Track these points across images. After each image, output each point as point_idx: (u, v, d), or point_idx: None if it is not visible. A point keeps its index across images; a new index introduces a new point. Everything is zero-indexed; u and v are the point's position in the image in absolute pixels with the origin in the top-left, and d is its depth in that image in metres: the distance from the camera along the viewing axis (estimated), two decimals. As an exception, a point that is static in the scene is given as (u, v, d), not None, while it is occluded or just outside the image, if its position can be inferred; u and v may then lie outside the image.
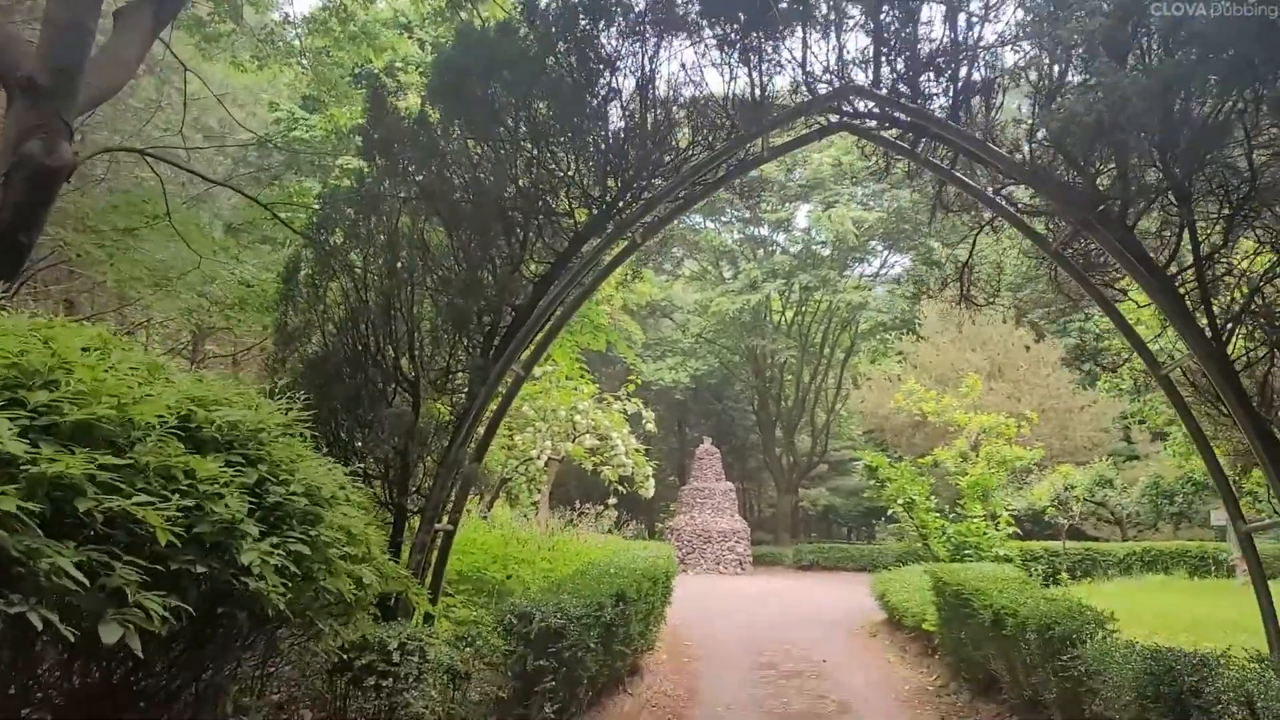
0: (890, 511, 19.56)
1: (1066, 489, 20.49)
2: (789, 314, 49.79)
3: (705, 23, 8.29)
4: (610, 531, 23.37)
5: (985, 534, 17.72)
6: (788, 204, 44.73)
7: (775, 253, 47.27)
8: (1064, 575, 22.02)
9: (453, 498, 8.34)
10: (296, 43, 16.92)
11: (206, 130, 20.34)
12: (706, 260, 50.94)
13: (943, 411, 22.37)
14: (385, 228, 7.99)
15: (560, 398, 19.21)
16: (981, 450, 20.27)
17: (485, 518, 18.43)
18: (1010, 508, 18.62)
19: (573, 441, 19.77)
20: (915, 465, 19.81)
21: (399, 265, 7.97)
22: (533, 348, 8.47)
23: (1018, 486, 23.36)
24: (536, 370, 19.73)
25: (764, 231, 48.89)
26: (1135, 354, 8.19)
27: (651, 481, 19.94)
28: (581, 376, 19.53)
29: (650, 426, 20.20)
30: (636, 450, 19.95)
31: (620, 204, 8.30)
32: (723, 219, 47.86)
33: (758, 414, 51.62)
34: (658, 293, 44.82)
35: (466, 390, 8.04)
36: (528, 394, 19.57)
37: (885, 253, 49.70)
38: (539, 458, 18.58)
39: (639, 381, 20.55)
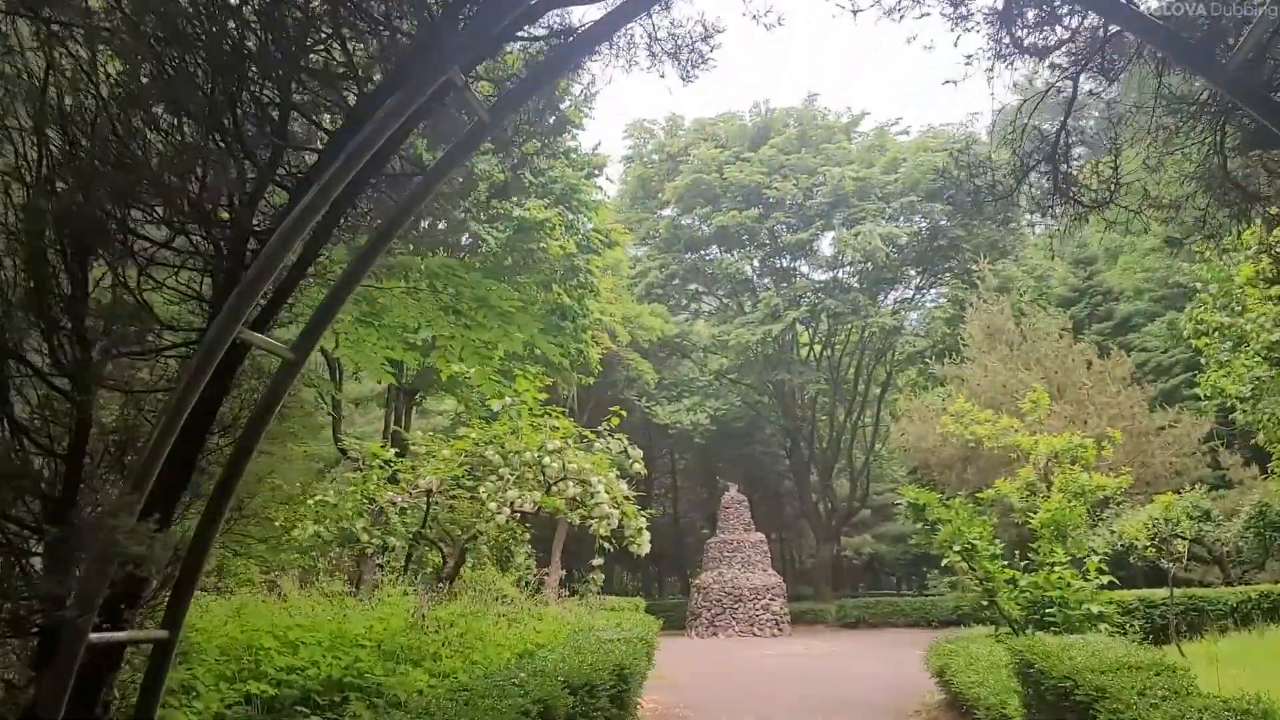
0: (945, 561, 15.62)
1: (1168, 523, 16.48)
2: (817, 347, 45.99)
3: None
4: (588, 596, 19.67)
5: (1070, 586, 13.69)
6: (807, 227, 41.15)
7: (797, 280, 43.62)
8: (1174, 635, 17.87)
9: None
10: None
11: None
12: (724, 293, 47.38)
13: (1001, 435, 18.48)
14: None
15: (528, 438, 15.61)
16: (1055, 480, 16.32)
17: (441, 584, 14.76)
18: (1099, 550, 14.59)
19: (546, 490, 16.09)
20: (973, 501, 15.87)
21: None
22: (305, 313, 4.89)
23: (1092, 525, 19.24)
24: (495, 404, 16.23)
25: (785, 262, 45.34)
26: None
27: (646, 535, 16.13)
28: (546, 411, 15.94)
29: (638, 468, 16.46)
30: (626, 499, 16.21)
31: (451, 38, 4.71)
32: (740, 250, 44.40)
33: (790, 457, 47.60)
34: (671, 329, 41.29)
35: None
36: (492, 435, 16.02)
37: (918, 277, 45.81)
38: (498, 513, 14.89)
39: (623, 415, 16.86)
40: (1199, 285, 16.97)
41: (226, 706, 7.16)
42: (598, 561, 16.23)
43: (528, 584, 26.84)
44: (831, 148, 42.19)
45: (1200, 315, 16.35)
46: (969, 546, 14.34)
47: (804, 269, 45.64)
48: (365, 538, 15.70)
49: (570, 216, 21.15)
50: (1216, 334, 16.19)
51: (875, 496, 47.58)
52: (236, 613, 8.52)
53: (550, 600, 23.96)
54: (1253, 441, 30.80)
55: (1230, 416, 21.71)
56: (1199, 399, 33.41)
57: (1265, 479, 26.78)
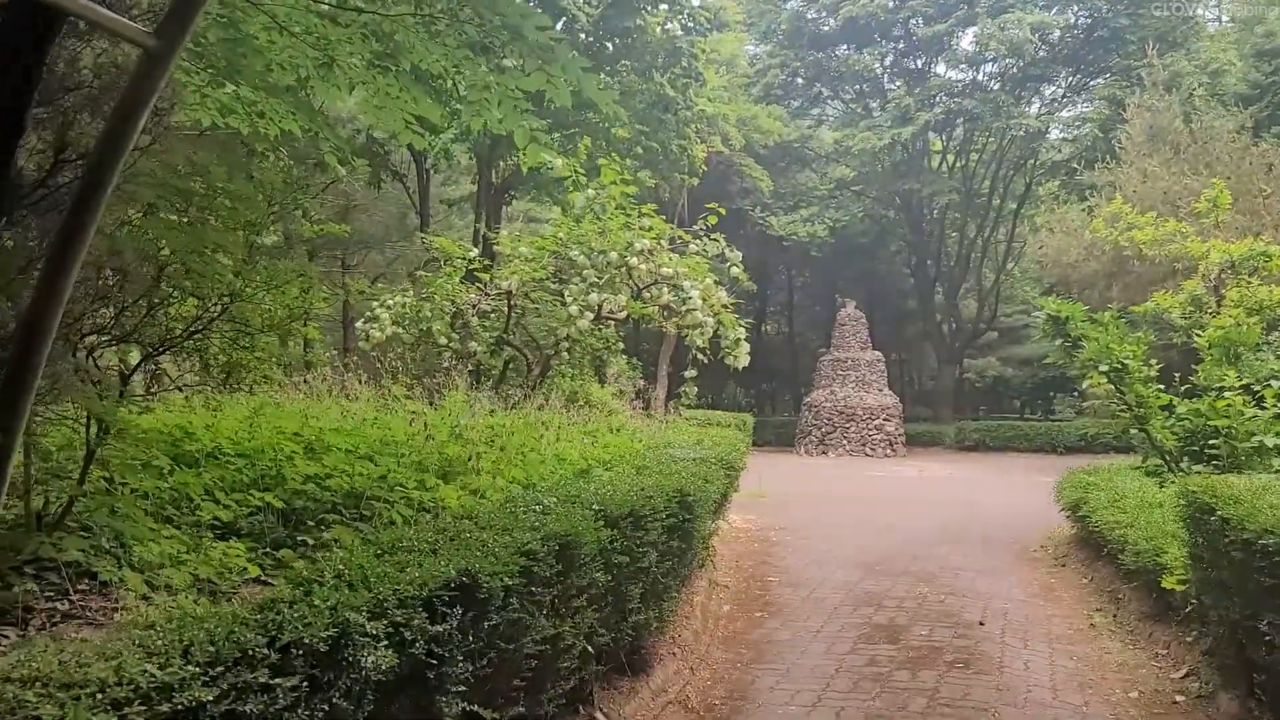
0: (1085, 385, 13.67)
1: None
2: (950, 156, 42.32)
3: None
4: (682, 410, 18.53)
5: (1242, 415, 11.61)
6: (946, 18, 36.77)
7: (932, 80, 39.61)
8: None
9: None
10: None
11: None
12: (850, 96, 43.60)
13: (1165, 241, 15.91)
14: None
15: (614, 237, 14.07)
16: (1228, 294, 13.91)
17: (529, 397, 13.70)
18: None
19: (636, 295, 14.68)
20: (1124, 315, 13.70)
21: None
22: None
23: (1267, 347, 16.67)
24: (577, 198, 14.63)
25: (920, 62, 41.12)
26: None
27: (745, 347, 14.63)
28: (637, 209, 14.29)
29: (737, 271, 14.77)
30: (724, 307, 14.65)
31: None
32: (870, 48, 40.30)
33: (915, 275, 44.90)
34: (791, 133, 38.33)
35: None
36: (578, 234, 14.53)
37: (1071, 77, 40.91)
38: (579, 317, 13.58)
39: (721, 213, 15.08)
40: None
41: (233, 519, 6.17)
42: (691, 373, 14.88)
43: (630, 395, 26.04)
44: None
45: None
46: (1119, 366, 12.34)
47: (940, 69, 41.40)
48: (444, 341, 14.74)
49: (672, -11, 18.72)
50: None
51: (1004, 319, 44.87)
52: (255, 413, 7.48)
53: (656, 414, 23.06)
54: None
55: None
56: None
57: None
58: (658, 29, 18.50)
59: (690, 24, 19.51)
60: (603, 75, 20.67)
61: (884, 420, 33.67)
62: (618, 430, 11.47)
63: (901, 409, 35.10)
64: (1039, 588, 10.31)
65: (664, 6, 19.32)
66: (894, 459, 32.24)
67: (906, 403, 40.64)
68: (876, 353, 35.81)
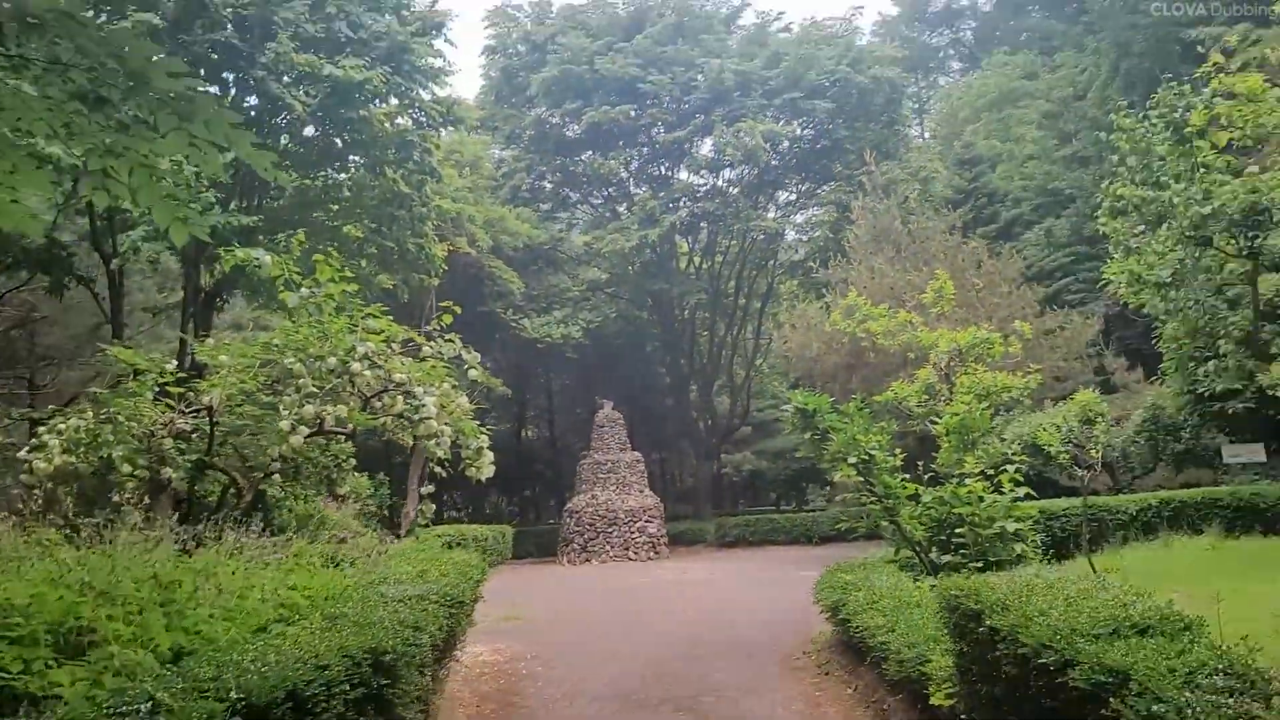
0: (836, 476, 13.42)
1: (1087, 424, 14.60)
2: (697, 258, 43.67)
3: None
4: (417, 531, 17.06)
5: (981, 501, 11.64)
6: (685, 125, 38.18)
7: (675, 184, 40.87)
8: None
9: None
10: None
11: None
12: (599, 200, 44.20)
13: (898, 331, 16.35)
14: None
15: (336, 341, 12.57)
16: (958, 380, 14.26)
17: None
18: (1015, 458, 12.55)
19: (365, 404, 13.15)
20: (866, 405, 13.67)
21: None
22: None
23: (995, 430, 17.41)
24: (289, 299, 13.04)
25: (663, 168, 42.40)
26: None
27: (488, 456, 13.42)
28: (362, 309, 12.93)
29: (475, 374, 13.60)
30: (465, 414, 13.42)
31: None
32: (614, 152, 41.15)
33: (670, 373, 45.53)
34: (540, 235, 38.12)
35: None
36: (296, 339, 12.88)
37: (802, 183, 43.57)
38: (291, 433, 11.88)
39: (456, 311, 13.97)
40: (1115, 158, 14.98)
41: None
42: (428, 489, 13.49)
43: (375, 515, 23.87)
44: (710, 39, 39.15)
45: (1119, 190, 14.36)
46: (866, 457, 12.14)
47: (683, 175, 42.89)
48: (126, 469, 12.52)
49: (401, 83, 17.74)
50: (1135, 211, 14.24)
51: (756, 413, 46.29)
52: None
53: (403, 534, 21.11)
54: (1138, 345, 30.10)
55: (1129, 307, 20.14)
56: (1084, 302, 32.71)
57: (1153, 382, 25.86)
58: (385, 123, 17.40)
59: (422, 118, 18.58)
60: (330, 170, 19.28)
61: (645, 522, 33.11)
62: (334, 563, 9.84)
63: (662, 509, 34.73)
64: (804, 703, 9.54)
65: (393, 100, 18.32)
66: (657, 561, 31.63)
67: (668, 502, 40.58)
68: (636, 453, 35.46)
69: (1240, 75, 10.66)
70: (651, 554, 32.57)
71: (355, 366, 12.23)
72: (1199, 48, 27.56)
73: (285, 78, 15.90)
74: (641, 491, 34.28)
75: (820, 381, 28.39)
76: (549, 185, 43.27)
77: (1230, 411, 19.25)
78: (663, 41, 38.53)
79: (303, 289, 12.39)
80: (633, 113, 38.57)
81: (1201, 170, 12.76)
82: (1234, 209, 12.40)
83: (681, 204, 39.38)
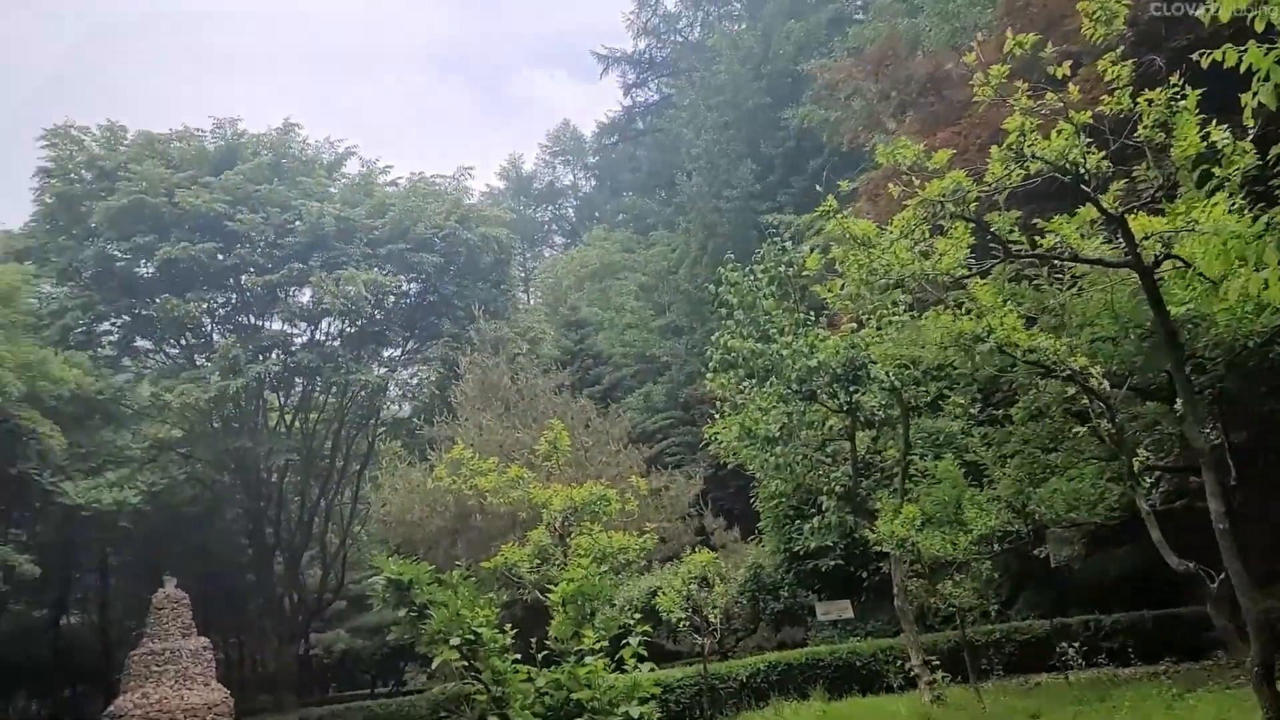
0: (436, 661, 11.15)
1: (703, 585, 13.66)
2: (289, 415, 39.79)
3: None
4: None
5: (604, 681, 9.99)
6: (280, 268, 35.03)
7: (266, 332, 37.26)
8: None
9: None
10: None
11: None
12: (176, 350, 39.03)
13: (509, 488, 14.75)
14: None
15: None
16: (573, 541, 12.83)
17: None
18: (637, 630, 11.16)
19: None
20: (472, 574, 11.69)
21: None
22: None
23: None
24: None
25: (253, 317, 38.55)
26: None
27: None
28: None
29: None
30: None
31: None
32: (194, 294, 36.73)
33: (253, 544, 40.31)
34: (94, 384, 32.39)
35: None
36: None
37: (408, 340, 41.80)
38: None
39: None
40: (725, 311, 15.05)
41: None
42: None
43: None
44: (310, 182, 36.88)
45: (729, 342, 14.29)
46: (471, 638, 10.11)
47: (276, 324, 39.19)
48: None
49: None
50: (744, 364, 14.18)
51: (352, 586, 42.19)
52: None
53: None
54: (731, 505, 31.23)
55: (727, 466, 20.32)
56: (682, 464, 33.66)
57: (750, 541, 26.54)
58: None
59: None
60: None
61: (211, 723, 27.75)
62: None
63: (232, 704, 29.47)
64: None
65: None
66: (224, 772, 26.38)
67: (247, 692, 35.00)
68: (204, 639, 30.05)
69: (853, 220, 10.87)
70: (217, 763, 27.17)
71: None
72: (772, 230, 30.19)
73: None
74: (207, 685, 28.86)
75: (423, 548, 25.94)
76: (114, 328, 37.59)
77: (823, 569, 19.76)
78: (256, 180, 35.56)
79: None
80: (219, 254, 34.84)
81: (807, 325, 13.02)
82: (835, 364, 12.63)
83: (273, 355, 35.78)
